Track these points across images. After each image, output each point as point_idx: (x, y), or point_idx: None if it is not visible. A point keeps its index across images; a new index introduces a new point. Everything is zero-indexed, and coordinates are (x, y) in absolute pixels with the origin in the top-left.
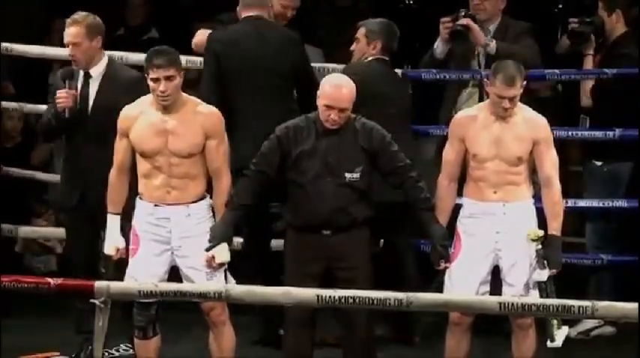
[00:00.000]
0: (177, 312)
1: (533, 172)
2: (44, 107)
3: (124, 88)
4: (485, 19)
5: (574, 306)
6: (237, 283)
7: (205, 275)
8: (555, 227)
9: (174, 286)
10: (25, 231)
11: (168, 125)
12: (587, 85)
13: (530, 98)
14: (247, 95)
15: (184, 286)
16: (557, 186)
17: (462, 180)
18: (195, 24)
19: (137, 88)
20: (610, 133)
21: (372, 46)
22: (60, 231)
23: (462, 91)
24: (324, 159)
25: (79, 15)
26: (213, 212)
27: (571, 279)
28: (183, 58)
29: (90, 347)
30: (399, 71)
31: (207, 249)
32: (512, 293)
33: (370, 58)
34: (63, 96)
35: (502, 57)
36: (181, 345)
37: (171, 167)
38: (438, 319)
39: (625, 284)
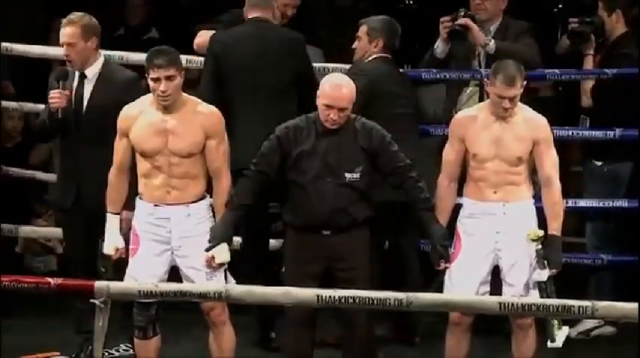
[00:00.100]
0: (177, 312)
1: (533, 172)
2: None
3: (119, 88)
4: (486, 19)
5: (574, 306)
6: (237, 283)
7: (205, 276)
8: (555, 227)
9: (174, 286)
10: (25, 230)
11: (168, 125)
12: (588, 85)
13: (530, 98)
14: (246, 96)
15: (184, 286)
16: (557, 186)
17: (462, 180)
18: (195, 24)
19: (132, 89)
20: (610, 133)
21: (373, 44)
22: (60, 231)
23: (463, 92)
24: (323, 159)
25: (75, 15)
26: (213, 212)
27: (571, 279)
28: (184, 58)
29: (90, 347)
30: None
31: (207, 249)
32: (512, 293)
33: (373, 57)
34: (56, 97)
35: (501, 56)
36: (181, 345)
37: (171, 167)
38: (438, 319)
39: (625, 284)
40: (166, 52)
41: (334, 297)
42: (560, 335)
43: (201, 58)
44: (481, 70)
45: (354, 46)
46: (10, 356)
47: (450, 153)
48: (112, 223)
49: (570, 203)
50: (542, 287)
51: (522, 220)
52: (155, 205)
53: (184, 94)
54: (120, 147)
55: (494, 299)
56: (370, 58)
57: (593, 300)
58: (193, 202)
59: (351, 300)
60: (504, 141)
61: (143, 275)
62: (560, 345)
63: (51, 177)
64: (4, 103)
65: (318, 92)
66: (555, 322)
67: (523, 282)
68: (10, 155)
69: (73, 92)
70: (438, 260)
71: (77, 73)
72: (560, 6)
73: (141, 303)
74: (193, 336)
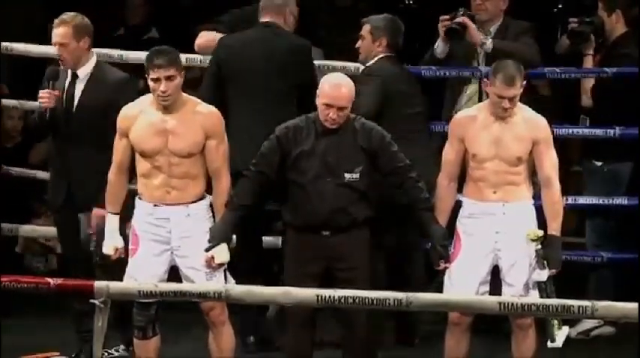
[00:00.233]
0: (177, 312)
1: (533, 173)
2: None
3: (110, 88)
4: (487, 19)
5: (574, 306)
6: (236, 283)
7: (205, 276)
8: (555, 227)
9: (174, 286)
10: (25, 230)
11: (168, 125)
12: (588, 84)
13: (529, 98)
14: (247, 99)
15: (184, 286)
16: (556, 186)
17: (461, 179)
18: (195, 24)
19: (123, 89)
20: (610, 131)
21: (377, 43)
22: None
23: (462, 94)
24: (323, 159)
25: (67, 15)
26: (212, 212)
27: (571, 277)
28: (183, 57)
29: (89, 347)
30: None
31: (207, 250)
32: (512, 293)
33: (380, 57)
34: (45, 97)
35: (500, 55)
36: (181, 345)
37: (171, 167)
38: (437, 318)
39: (625, 282)
40: (166, 52)
41: (334, 297)
42: (560, 335)
43: (201, 57)
44: (481, 68)
45: (357, 46)
46: (10, 356)
47: (449, 153)
48: (112, 223)
49: (570, 200)
50: (542, 287)
51: (522, 220)
52: (155, 205)
53: (184, 94)
54: (119, 146)
55: (494, 299)
56: (377, 58)
57: (593, 300)
58: (193, 202)
59: (350, 300)
60: (504, 141)
61: (143, 275)
62: (560, 345)
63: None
64: (4, 102)
65: (317, 92)
66: (555, 322)
67: (523, 282)
68: (10, 155)
69: (65, 91)
70: (438, 260)
71: (69, 73)
72: (560, 6)
73: (140, 303)
74: (193, 336)
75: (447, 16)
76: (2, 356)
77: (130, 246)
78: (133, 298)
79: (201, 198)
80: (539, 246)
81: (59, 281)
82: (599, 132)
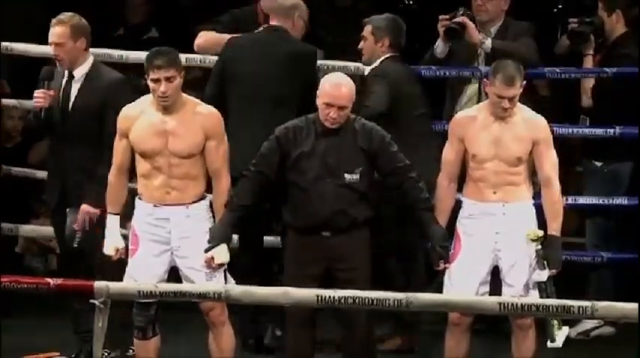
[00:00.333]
0: (177, 312)
1: (532, 173)
2: None
3: (105, 89)
4: (488, 20)
5: (574, 306)
6: (236, 283)
7: (205, 276)
8: (555, 227)
9: (173, 286)
10: (25, 229)
11: (168, 125)
12: (588, 84)
13: (528, 98)
14: (247, 102)
15: (184, 286)
16: (556, 186)
17: (461, 180)
18: (195, 24)
19: (119, 90)
20: (610, 131)
21: (379, 44)
22: None
23: (463, 94)
24: (323, 160)
25: (65, 15)
26: (212, 212)
27: (571, 277)
28: (183, 57)
29: (89, 348)
30: None
31: (207, 250)
32: (512, 293)
33: (385, 57)
34: (40, 96)
35: (498, 54)
36: (181, 345)
37: (171, 167)
38: (437, 319)
39: (625, 282)
40: (166, 52)
41: (334, 297)
42: (560, 335)
43: (201, 57)
44: (481, 68)
45: (360, 47)
46: (10, 356)
47: (449, 153)
48: (112, 223)
49: (570, 200)
50: (542, 288)
51: (522, 220)
52: (155, 205)
53: (184, 95)
54: (120, 147)
55: (494, 299)
56: (382, 59)
57: (593, 301)
58: (193, 203)
59: (350, 300)
60: (504, 142)
61: (143, 275)
62: (560, 345)
63: None
64: (4, 102)
65: (317, 92)
66: (555, 322)
67: (523, 283)
68: (10, 155)
69: (61, 91)
70: (438, 260)
71: (66, 73)
72: (560, 6)
73: (140, 303)
74: (193, 336)
75: (446, 16)
76: (2, 356)
77: (130, 247)
78: (132, 298)
79: (201, 198)
80: (539, 246)
81: (59, 281)
82: (599, 131)
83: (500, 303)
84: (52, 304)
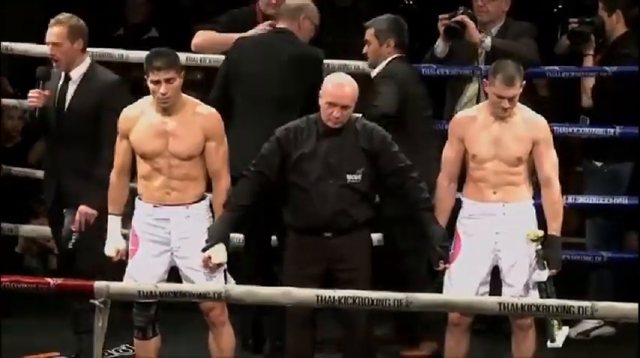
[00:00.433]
0: (177, 312)
1: (532, 173)
2: None
3: (102, 90)
4: (489, 20)
5: (574, 307)
6: (237, 283)
7: (205, 276)
8: (555, 227)
9: (173, 286)
10: (25, 230)
11: (168, 127)
12: (588, 84)
13: (528, 98)
14: (249, 104)
15: (184, 286)
16: (556, 186)
17: (461, 180)
18: (195, 24)
19: (115, 91)
20: (610, 131)
21: (385, 45)
22: None
23: (463, 95)
24: (325, 161)
25: (63, 16)
26: (212, 212)
27: (571, 277)
28: (184, 56)
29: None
30: None
31: (204, 249)
32: (512, 293)
33: (392, 57)
34: (34, 96)
35: (498, 53)
36: (181, 345)
37: (171, 169)
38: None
39: (625, 282)
40: (165, 54)
41: (334, 298)
42: (560, 335)
43: (201, 56)
44: (481, 67)
45: (364, 51)
46: (10, 356)
47: (449, 153)
48: (114, 224)
49: (570, 200)
50: (542, 288)
51: (522, 220)
52: (154, 206)
53: (184, 95)
54: (120, 148)
55: (494, 299)
56: (389, 60)
57: (593, 301)
58: (193, 203)
59: (350, 301)
60: (504, 142)
61: (142, 275)
62: (560, 345)
63: None
64: (5, 102)
65: (320, 92)
66: (555, 322)
67: (523, 283)
68: (10, 155)
69: (57, 92)
70: (438, 260)
71: (63, 74)
72: (560, 6)
73: (140, 304)
74: (193, 336)
75: (446, 15)
76: (2, 356)
77: (130, 247)
78: (132, 298)
79: (202, 198)
80: (540, 247)
81: (59, 281)
82: (599, 131)
83: (500, 303)
84: (52, 304)
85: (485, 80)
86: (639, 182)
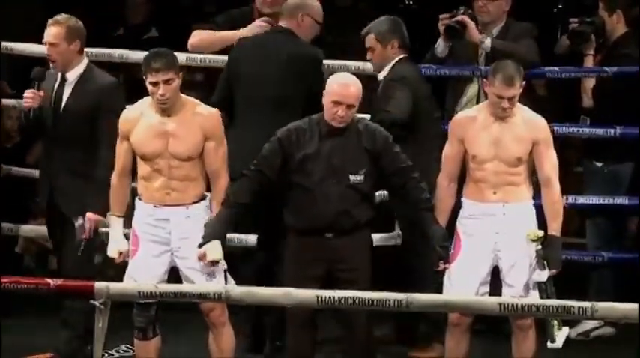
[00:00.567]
0: (177, 313)
1: (532, 173)
2: None
3: (98, 92)
4: (489, 21)
5: (574, 307)
6: (237, 284)
7: (205, 277)
8: (555, 227)
9: (174, 287)
10: (25, 230)
11: (168, 127)
12: (589, 84)
13: (527, 98)
14: (249, 104)
15: (184, 287)
16: (556, 186)
17: (462, 180)
18: (194, 24)
19: (112, 93)
20: (611, 131)
21: (389, 47)
22: None
23: (463, 96)
24: (328, 162)
25: (62, 16)
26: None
27: (571, 277)
28: (183, 56)
29: (89, 348)
30: None
31: (200, 246)
32: (512, 293)
33: (398, 59)
34: (29, 97)
35: (498, 54)
36: (181, 345)
37: (171, 169)
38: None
39: (625, 282)
40: (164, 55)
41: (334, 298)
42: (560, 335)
43: (200, 56)
44: (481, 67)
45: (368, 58)
46: (10, 356)
47: (449, 154)
48: (116, 226)
49: (570, 200)
50: (542, 288)
51: (522, 221)
52: (154, 206)
53: (183, 96)
54: (121, 150)
55: (494, 299)
56: (394, 61)
57: (593, 301)
58: (193, 203)
59: (350, 301)
60: (503, 142)
61: (143, 276)
62: (560, 346)
63: None
64: (4, 102)
65: (324, 91)
66: (555, 322)
67: (523, 283)
68: (9, 155)
69: (53, 93)
70: (438, 261)
71: (59, 75)
72: (560, 6)
73: (141, 304)
74: (193, 336)
75: (446, 15)
76: (2, 356)
77: (130, 247)
78: (133, 299)
79: (202, 198)
80: (540, 247)
81: (59, 281)
82: (599, 131)
83: (500, 304)
84: (52, 304)
85: (484, 80)
86: (639, 182)
